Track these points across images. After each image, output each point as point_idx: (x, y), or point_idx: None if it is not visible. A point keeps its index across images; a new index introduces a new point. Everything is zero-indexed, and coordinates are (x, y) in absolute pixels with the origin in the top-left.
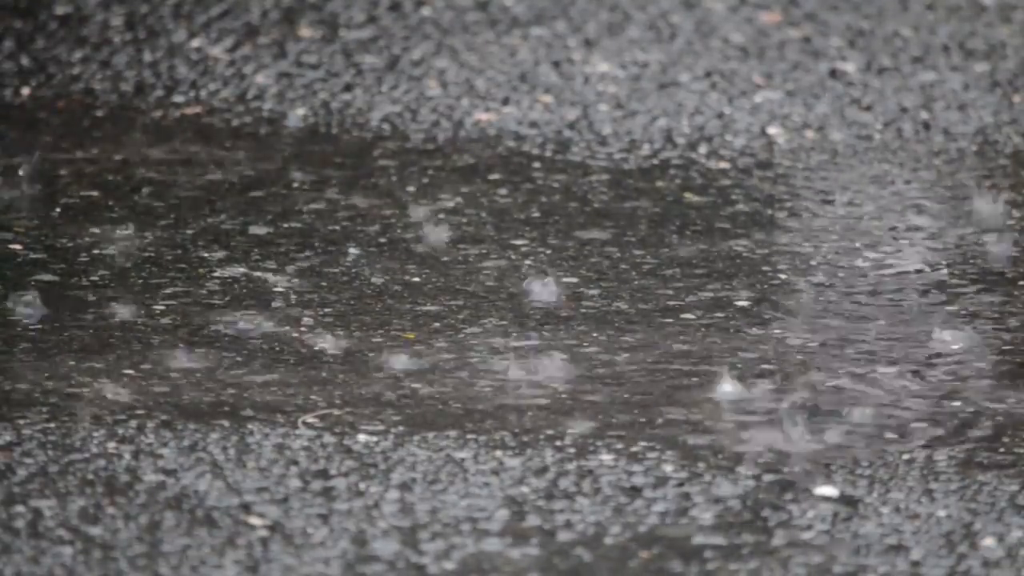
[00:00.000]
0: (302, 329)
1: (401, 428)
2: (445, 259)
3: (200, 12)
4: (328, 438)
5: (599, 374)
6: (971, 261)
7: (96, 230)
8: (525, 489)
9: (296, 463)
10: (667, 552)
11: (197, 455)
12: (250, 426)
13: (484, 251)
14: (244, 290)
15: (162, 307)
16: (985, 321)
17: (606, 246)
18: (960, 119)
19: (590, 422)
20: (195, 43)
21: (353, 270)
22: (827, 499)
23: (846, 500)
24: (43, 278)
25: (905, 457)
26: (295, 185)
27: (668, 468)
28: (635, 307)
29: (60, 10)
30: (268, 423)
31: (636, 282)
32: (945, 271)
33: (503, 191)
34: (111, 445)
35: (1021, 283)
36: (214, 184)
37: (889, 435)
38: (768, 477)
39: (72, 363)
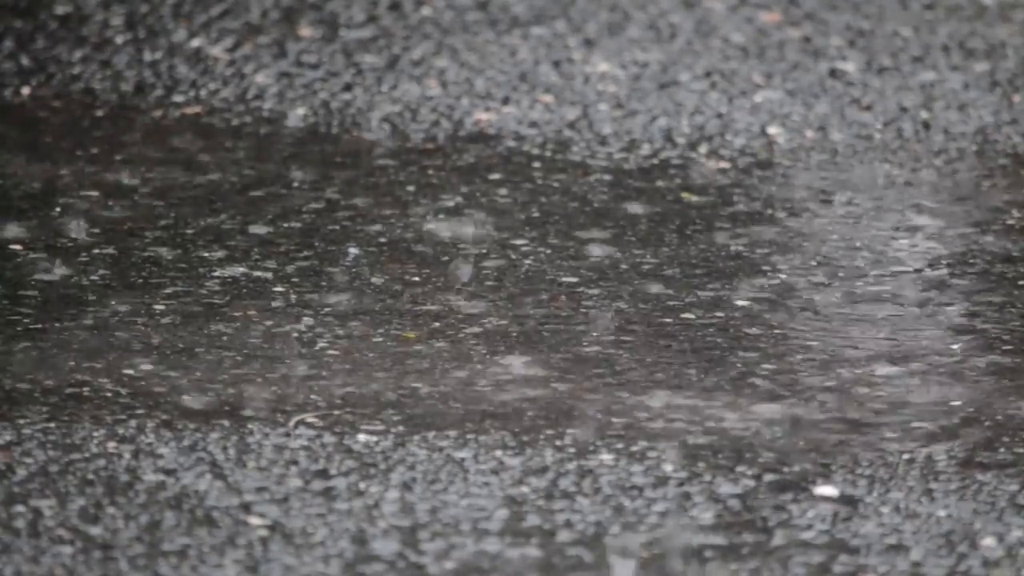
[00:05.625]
0: (302, 329)
1: (401, 428)
2: (445, 259)
3: (200, 12)
4: (328, 438)
5: (600, 373)
6: (971, 261)
7: (96, 230)
8: (525, 489)
9: (296, 463)
10: (667, 552)
11: (197, 455)
12: (250, 426)
13: (484, 251)
14: (244, 290)
15: (162, 307)
16: (985, 321)
17: (606, 246)
18: (960, 119)
19: (590, 422)
20: (195, 43)
21: (353, 270)
22: (827, 499)
23: (846, 500)
24: (43, 278)
25: (905, 457)
26: (295, 185)
27: (668, 468)
28: (635, 307)
29: (60, 10)
30: (268, 423)
31: (636, 282)
32: (945, 271)
33: (503, 191)
34: (111, 445)
35: (1021, 283)
36: (214, 184)
37: (889, 435)
38: (768, 477)
39: (72, 363)
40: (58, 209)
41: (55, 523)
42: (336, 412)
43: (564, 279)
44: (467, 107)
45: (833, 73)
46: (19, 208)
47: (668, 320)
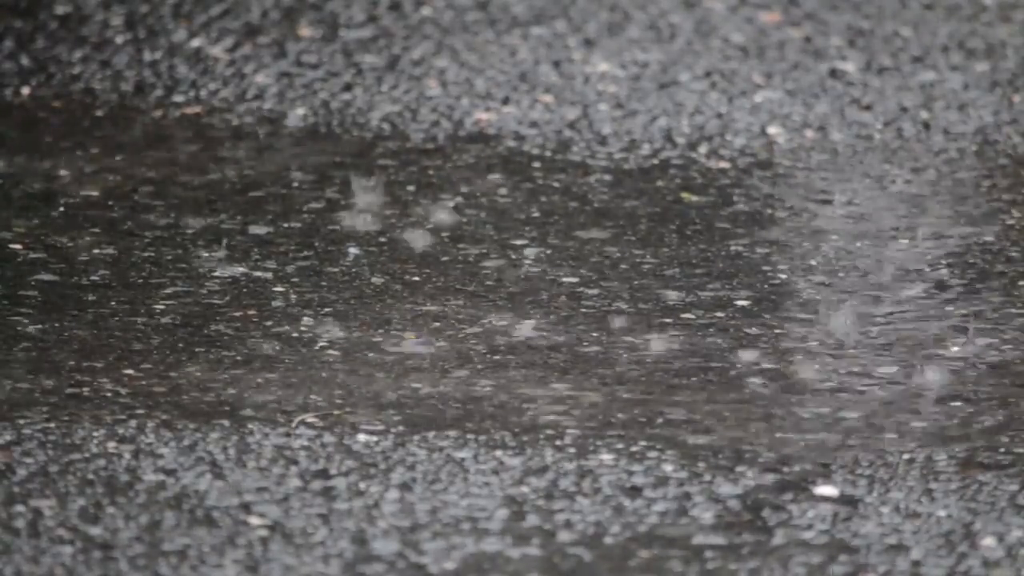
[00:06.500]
0: (302, 329)
1: (401, 428)
2: (445, 259)
3: (200, 12)
4: (328, 438)
5: (599, 374)
6: (971, 261)
7: (96, 230)
8: (525, 489)
9: (296, 463)
10: (667, 552)
11: (197, 455)
12: (250, 426)
13: (484, 251)
14: (244, 290)
15: (162, 307)
16: (985, 321)
17: (606, 246)
18: (960, 119)
19: (590, 422)
20: (195, 43)
21: (353, 270)
22: (827, 499)
23: (846, 500)
24: (43, 278)
25: (905, 457)
26: (295, 185)
27: (668, 468)
28: (635, 307)
29: (60, 10)
30: (268, 423)
31: (636, 282)
32: (945, 271)
33: (503, 191)
34: (111, 445)
35: (1021, 283)
36: (214, 184)
37: (889, 435)
38: (768, 477)
39: (72, 363)
40: (61, 209)
41: (55, 523)
42: (336, 412)
43: (564, 279)
44: (467, 107)
45: (833, 73)
46: (19, 208)
47: (668, 320)
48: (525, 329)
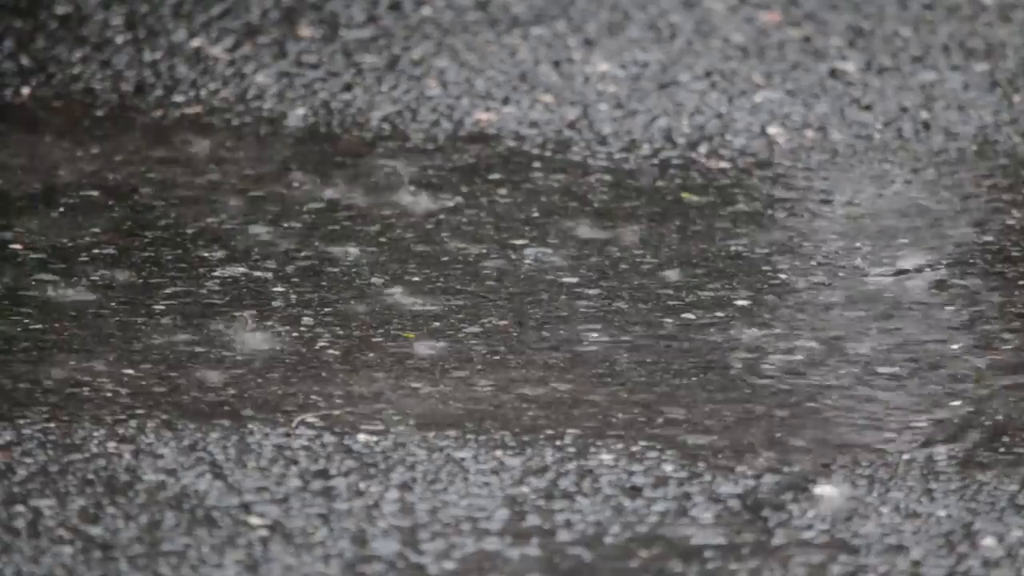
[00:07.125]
0: (302, 329)
1: (401, 428)
2: (445, 259)
3: (200, 12)
4: (328, 438)
5: (599, 374)
6: (971, 261)
7: (96, 230)
8: (525, 489)
9: (296, 463)
10: (667, 552)
11: (197, 455)
12: (250, 426)
13: (484, 251)
14: (244, 290)
15: (162, 307)
16: (985, 321)
17: (606, 246)
18: (960, 119)
19: (590, 422)
20: (195, 43)
21: (353, 270)
22: (827, 499)
23: (846, 500)
24: (43, 278)
25: (905, 457)
26: (295, 185)
27: (668, 468)
28: (635, 307)
29: (60, 10)
30: (268, 423)
31: (636, 282)
32: (945, 271)
33: (503, 191)
34: (111, 445)
35: (1021, 283)
36: (214, 184)
37: (889, 435)
38: (768, 477)
39: (72, 363)
40: (61, 209)
41: (55, 523)
42: (336, 412)
43: (564, 279)
44: (467, 107)
45: (833, 73)
46: (19, 208)
47: (668, 320)
48: (525, 329)
